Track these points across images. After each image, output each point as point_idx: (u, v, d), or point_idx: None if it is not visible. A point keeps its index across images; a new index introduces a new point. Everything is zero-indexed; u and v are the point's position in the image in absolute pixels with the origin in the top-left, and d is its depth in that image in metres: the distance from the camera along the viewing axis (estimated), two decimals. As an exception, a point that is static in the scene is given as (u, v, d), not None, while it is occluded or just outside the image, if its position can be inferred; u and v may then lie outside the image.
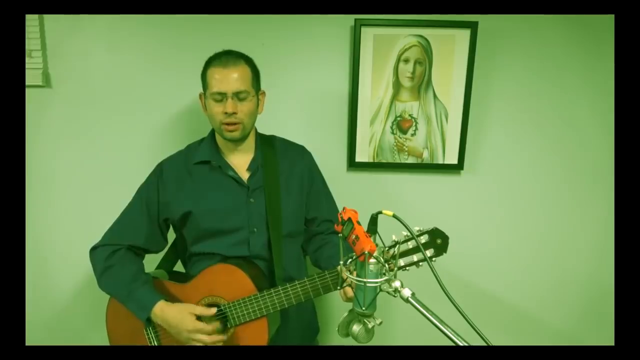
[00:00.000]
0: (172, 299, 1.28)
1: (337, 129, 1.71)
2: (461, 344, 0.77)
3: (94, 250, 1.36)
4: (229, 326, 1.26)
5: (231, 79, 1.23)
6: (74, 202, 1.76)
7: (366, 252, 0.82)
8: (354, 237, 0.86)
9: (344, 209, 0.94)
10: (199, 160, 1.34)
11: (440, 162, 1.71)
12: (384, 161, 1.71)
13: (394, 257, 0.90)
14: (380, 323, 0.88)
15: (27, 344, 1.68)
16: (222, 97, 1.24)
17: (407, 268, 1.08)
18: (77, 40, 1.65)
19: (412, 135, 1.69)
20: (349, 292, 1.13)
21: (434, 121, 1.68)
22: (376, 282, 0.85)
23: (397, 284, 0.85)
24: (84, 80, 1.67)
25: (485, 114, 1.70)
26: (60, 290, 1.83)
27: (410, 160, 1.71)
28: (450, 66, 1.63)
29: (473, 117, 1.67)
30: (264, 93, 1.37)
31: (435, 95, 1.66)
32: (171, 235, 1.45)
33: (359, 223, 0.89)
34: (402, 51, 1.62)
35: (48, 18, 1.63)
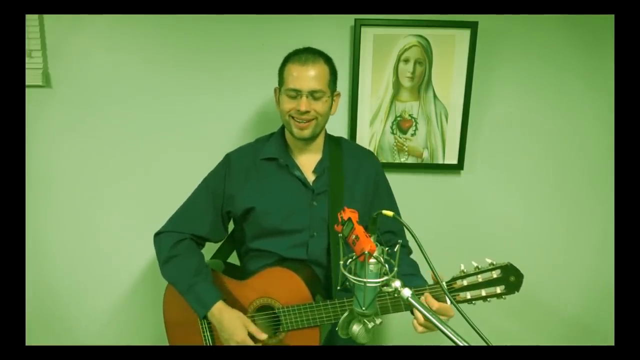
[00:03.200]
0: (227, 294, 1.28)
1: (337, 129, 1.71)
2: (461, 344, 0.77)
3: (158, 235, 1.35)
4: (281, 330, 1.25)
5: (308, 77, 1.21)
6: (74, 201, 1.76)
7: (366, 252, 0.82)
8: (354, 237, 0.86)
9: (344, 209, 0.95)
10: (267, 156, 1.32)
11: (440, 162, 1.71)
12: (384, 161, 1.71)
13: (391, 258, 0.89)
14: (380, 323, 0.88)
15: (26, 343, 1.68)
16: (297, 94, 1.22)
17: (473, 302, 1.04)
18: (77, 40, 1.65)
19: (412, 135, 1.69)
20: (420, 318, 1.04)
21: (434, 121, 1.68)
22: (376, 282, 0.85)
23: (397, 284, 0.85)
24: (84, 80, 1.67)
25: (485, 114, 1.70)
26: (60, 289, 1.83)
27: (410, 160, 1.71)
28: (450, 66, 1.63)
29: (473, 117, 1.67)
30: (339, 94, 1.35)
31: (435, 95, 1.66)
32: (230, 227, 1.44)
33: (359, 223, 0.89)
34: (402, 51, 1.62)
35: (48, 18, 1.63)
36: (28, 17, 1.60)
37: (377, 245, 0.85)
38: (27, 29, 1.60)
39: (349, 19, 1.61)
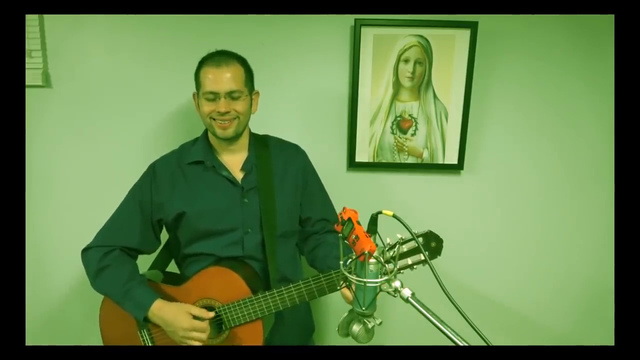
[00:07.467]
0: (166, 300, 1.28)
1: (337, 129, 1.71)
2: (461, 344, 0.77)
3: (86, 251, 1.34)
4: (224, 328, 1.26)
5: (224, 78, 1.23)
6: (74, 201, 1.76)
7: (366, 252, 0.82)
8: (354, 237, 0.86)
9: (344, 209, 0.94)
10: (193, 160, 1.33)
11: (440, 162, 1.71)
12: (384, 161, 1.71)
13: (393, 258, 0.90)
14: (380, 323, 0.88)
15: (26, 343, 1.68)
16: (214, 96, 1.24)
17: (402, 271, 1.08)
18: (77, 40, 1.65)
19: (412, 135, 1.69)
20: (347, 293, 1.13)
21: (434, 121, 1.68)
22: (376, 282, 0.85)
23: (397, 284, 0.85)
24: (84, 80, 1.67)
25: (485, 114, 1.70)
26: (60, 289, 1.83)
27: (410, 160, 1.71)
28: (450, 66, 1.63)
29: (473, 117, 1.67)
30: (257, 93, 1.37)
31: (435, 95, 1.66)
32: (164, 236, 1.44)
33: (359, 223, 0.89)
34: (402, 51, 1.62)
35: (48, 18, 1.63)
36: (28, 17, 1.60)
37: (377, 246, 0.86)
38: (27, 29, 1.60)
39: (349, 19, 1.61)
